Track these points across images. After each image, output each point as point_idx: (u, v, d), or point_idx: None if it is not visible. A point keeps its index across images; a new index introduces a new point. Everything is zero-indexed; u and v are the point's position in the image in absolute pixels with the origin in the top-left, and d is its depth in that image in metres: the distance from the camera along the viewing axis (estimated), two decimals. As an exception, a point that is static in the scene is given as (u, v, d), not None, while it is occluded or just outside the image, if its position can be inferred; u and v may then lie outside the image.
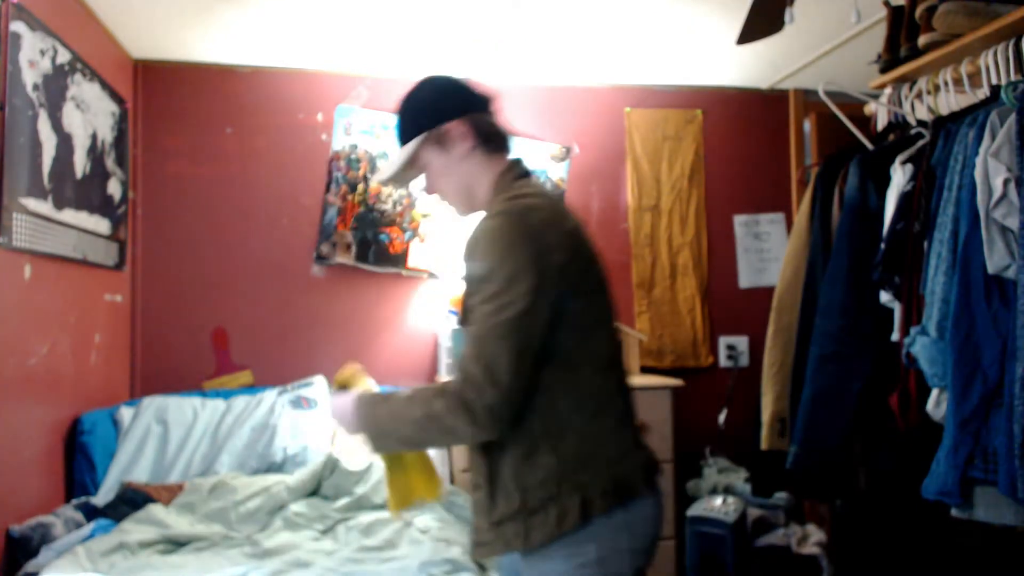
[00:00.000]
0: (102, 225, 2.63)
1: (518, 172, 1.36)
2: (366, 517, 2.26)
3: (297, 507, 2.32)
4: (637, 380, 2.91)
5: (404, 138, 1.38)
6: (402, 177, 1.41)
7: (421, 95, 1.39)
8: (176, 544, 2.10)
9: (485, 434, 1.18)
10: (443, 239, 3.18)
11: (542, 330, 1.18)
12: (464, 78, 1.41)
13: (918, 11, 1.94)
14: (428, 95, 1.38)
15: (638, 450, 1.28)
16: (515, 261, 1.17)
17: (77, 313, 2.46)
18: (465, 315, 1.26)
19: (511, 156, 1.39)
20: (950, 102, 1.88)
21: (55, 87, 2.25)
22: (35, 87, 2.12)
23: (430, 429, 1.19)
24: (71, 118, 2.37)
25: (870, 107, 2.21)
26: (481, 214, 1.32)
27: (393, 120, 1.43)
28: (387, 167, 1.40)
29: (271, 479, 2.43)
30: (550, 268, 1.18)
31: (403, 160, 1.36)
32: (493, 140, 1.37)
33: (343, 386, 1.41)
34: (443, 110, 1.35)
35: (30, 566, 1.92)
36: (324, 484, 2.45)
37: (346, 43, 2.91)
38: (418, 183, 1.44)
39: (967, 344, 1.50)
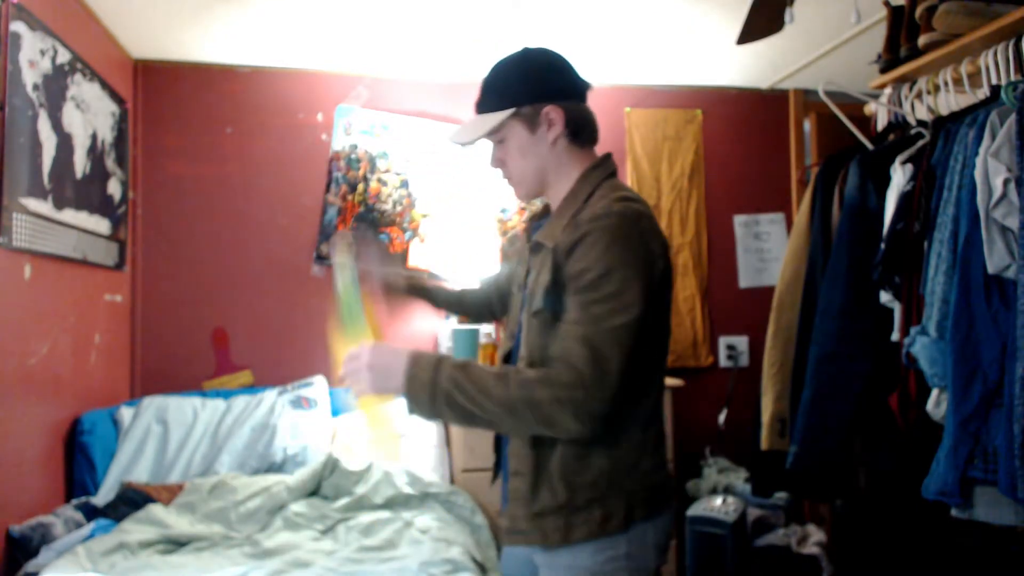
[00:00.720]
0: (102, 225, 2.63)
1: (608, 169, 1.33)
2: (366, 517, 2.27)
3: (297, 507, 2.32)
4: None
5: (490, 105, 1.31)
6: (474, 141, 1.34)
7: (521, 67, 1.31)
8: (176, 544, 2.10)
9: (581, 433, 1.16)
10: (443, 239, 3.19)
11: (644, 339, 1.19)
12: (565, 59, 1.33)
13: (918, 11, 1.94)
14: (528, 69, 1.30)
15: (666, 464, 1.34)
16: (632, 265, 1.17)
17: (77, 313, 2.46)
18: (551, 302, 1.22)
19: (597, 151, 1.36)
20: (950, 102, 1.88)
21: (55, 87, 2.25)
22: (35, 87, 2.12)
23: (523, 415, 1.14)
24: (71, 118, 2.37)
25: (870, 107, 2.21)
26: (555, 200, 1.33)
27: (479, 81, 1.35)
28: (465, 130, 1.33)
29: (271, 479, 2.43)
30: (655, 277, 1.21)
31: (487, 130, 1.29)
32: (582, 133, 1.32)
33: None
34: (540, 90, 1.29)
35: (30, 566, 1.92)
36: (324, 484, 2.45)
37: (346, 43, 2.91)
38: (483, 151, 1.38)
39: (967, 344, 1.50)
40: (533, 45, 1.34)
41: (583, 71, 1.36)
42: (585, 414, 1.13)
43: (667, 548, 1.31)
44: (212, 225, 3.06)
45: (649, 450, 1.27)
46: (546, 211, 1.43)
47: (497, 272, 1.72)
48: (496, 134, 1.31)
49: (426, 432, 2.83)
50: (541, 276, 1.25)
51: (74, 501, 2.30)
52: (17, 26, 2.03)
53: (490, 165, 1.37)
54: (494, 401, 1.15)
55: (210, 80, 3.10)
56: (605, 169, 1.33)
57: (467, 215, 3.19)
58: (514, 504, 1.28)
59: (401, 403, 1.21)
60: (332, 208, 3.13)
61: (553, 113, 1.28)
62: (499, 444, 1.45)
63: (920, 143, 1.84)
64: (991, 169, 1.48)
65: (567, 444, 1.22)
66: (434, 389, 1.16)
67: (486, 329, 2.95)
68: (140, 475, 2.50)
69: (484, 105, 1.32)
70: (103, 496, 2.39)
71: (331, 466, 2.47)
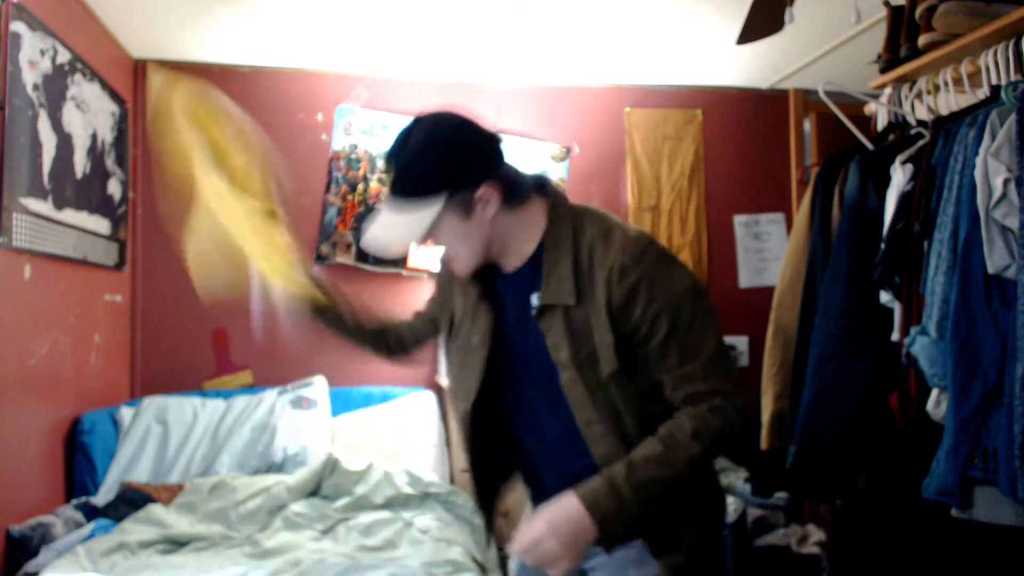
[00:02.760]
0: (102, 225, 2.63)
1: (564, 205, 1.26)
2: (366, 517, 2.27)
3: (297, 507, 2.32)
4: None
5: (412, 195, 1.16)
6: (403, 245, 1.27)
7: (436, 155, 1.17)
8: (176, 544, 2.10)
9: (749, 431, 1.24)
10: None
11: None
12: (471, 124, 1.21)
13: (918, 11, 1.93)
14: (444, 154, 1.17)
15: None
16: (682, 282, 1.19)
17: (77, 313, 2.46)
18: (623, 357, 1.18)
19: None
20: (950, 102, 1.88)
21: (55, 87, 2.25)
22: (35, 87, 2.12)
23: (707, 457, 1.19)
24: (71, 118, 2.37)
25: (870, 107, 2.21)
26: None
27: (388, 152, 1.22)
28: (389, 235, 1.21)
29: (271, 479, 2.43)
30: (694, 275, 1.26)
31: (418, 235, 1.17)
32: (516, 194, 1.22)
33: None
34: (468, 172, 1.17)
35: (30, 566, 1.92)
36: (324, 484, 2.45)
37: (346, 43, 2.91)
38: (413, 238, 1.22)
39: (967, 344, 1.50)
40: (422, 117, 1.21)
41: (487, 123, 1.23)
42: (742, 415, 1.19)
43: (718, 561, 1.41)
44: (212, 225, 3.06)
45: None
46: (491, 267, 1.31)
47: (421, 311, 1.58)
48: (427, 232, 1.18)
49: (426, 432, 2.83)
50: (596, 336, 1.19)
51: (74, 501, 2.30)
52: (17, 26, 2.03)
53: (418, 243, 1.26)
54: (679, 471, 1.15)
55: (210, 80, 3.07)
56: (559, 201, 1.26)
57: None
58: None
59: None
60: (332, 208, 3.13)
61: (487, 192, 1.17)
62: (526, 466, 1.41)
63: (920, 143, 1.84)
64: (991, 169, 1.48)
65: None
66: (627, 515, 1.12)
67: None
68: (140, 475, 2.50)
69: (406, 194, 1.17)
70: (103, 496, 2.39)
71: (331, 466, 2.47)
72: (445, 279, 1.42)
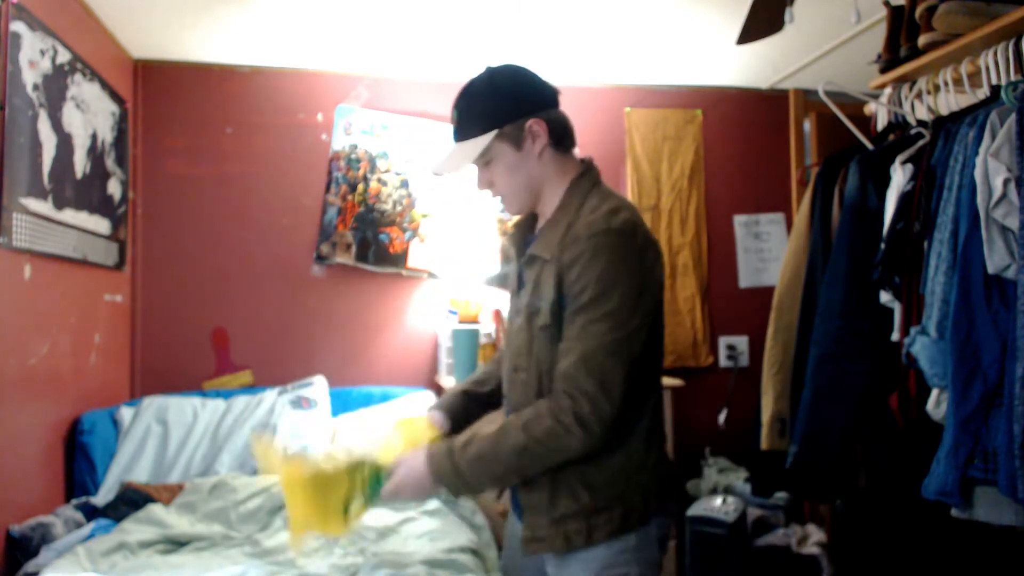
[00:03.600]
0: (102, 225, 2.63)
1: (594, 176, 1.35)
2: (366, 517, 2.26)
3: (297, 507, 2.31)
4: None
5: (470, 131, 1.32)
6: (461, 169, 1.35)
7: (493, 88, 1.32)
8: (176, 544, 2.09)
9: (595, 445, 1.20)
10: (443, 239, 3.18)
11: (642, 345, 1.24)
12: (530, 71, 1.35)
13: (918, 11, 1.94)
14: (501, 89, 1.32)
15: (667, 455, 1.38)
16: (628, 282, 1.21)
17: (77, 313, 2.46)
18: (558, 318, 1.25)
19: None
20: (950, 102, 1.88)
21: (55, 87, 2.25)
22: (35, 87, 2.12)
23: (536, 454, 1.20)
24: (71, 118, 2.37)
25: (870, 107, 2.21)
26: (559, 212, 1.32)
27: (454, 106, 1.36)
28: (451, 160, 1.34)
29: (271, 479, 2.42)
30: (651, 287, 1.25)
31: (474, 155, 1.30)
32: (564, 139, 1.34)
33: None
34: (519, 107, 1.30)
35: (30, 566, 1.92)
36: (324, 484, 2.45)
37: (346, 43, 2.91)
38: (468, 175, 1.38)
39: (967, 344, 1.50)
40: (495, 67, 1.36)
41: (545, 76, 1.36)
42: (598, 428, 1.18)
43: (667, 541, 1.34)
44: (212, 225, 3.06)
45: (655, 445, 1.32)
46: (530, 219, 1.43)
47: (502, 280, 1.73)
48: (482, 157, 1.32)
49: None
50: (544, 291, 1.27)
51: (74, 501, 2.30)
52: (17, 26, 2.03)
53: (478, 188, 1.38)
54: (506, 457, 1.21)
55: (210, 80, 3.10)
56: (591, 177, 1.35)
57: (467, 215, 3.19)
58: (532, 514, 1.30)
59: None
60: (332, 208, 3.13)
61: (536, 126, 1.30)
62: None
63: (920, 143, 1.84)
64: (991, 169, 1.48)
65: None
66: (460, 475, 1.24)
67: (486, 329, 2.95)
68: (140, 475, 2.50)
69: (463, 132, 1.34)
70: (103, 496, 2.39)
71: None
72: (507, 271, 1.55)
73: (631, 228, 1.24)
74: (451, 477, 1.24)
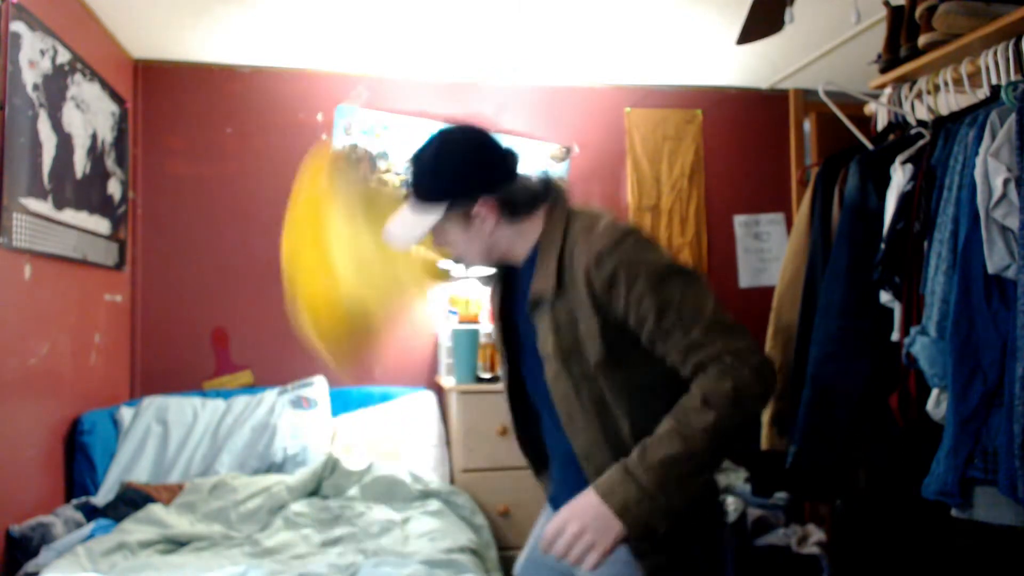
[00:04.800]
0: (102, 225, 2.63)
1: (563, 201, 1.31)
2: (366, 517, 2.26)
3: (297, 507, 2.32)
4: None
5: (419, 200, 1.29)
6: (410, 242, 1.33)
7: (440, 164, 1.28)
8: (176, 544, 2.10)
9: (773, 383, 1.13)
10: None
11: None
12: (483, 135, 1.30)
13: (918, 11, 1.94)
14: (449, 166, 1.27)
15: None
16: (664, 259, 1.19)
17: (77, 313, 2.46)
18: (611, 339, 1.19)
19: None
20: (950, 102, 1.88)
21: (55, 87, 2.25)
22: (35, 87, 2.12)
23: (729, 422, 1.08)
24: (71, 118, 2.37)
25: (870, 107, 2.21)
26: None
27: (406, 161, 1.34)
28: (402, 232, 1.31)
29: (271, 479, 2.43)
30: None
31: (421, 233, 1.28)
32: (520, 209, 1.29)
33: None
34: (465, 186, 1.26)
35: (30, 566, 1.92)
36: (324, 484, 2.45)
37: (346, 43, 2.91)
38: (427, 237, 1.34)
39: (967, 344, 1.50)
40: (448, 127, 1.31)
41: (503, 139, 1.32)
42: (768, 372, 1.13)
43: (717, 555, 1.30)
44: (212, 225, 3.06)
45: None
46: (504, 267, 1.39)
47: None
48: (432, 231, 1.30)
49: (426, 432, 2.83)
50: (578, 327, 1.21)
51: (74, 501, 2.30)
52: (17, 26, 2.03)
53: (434, 244, 1.36)
54: (699, 444, 1.08)
55: (210, 80, 3.10)
56: (562, 205, 1.31)
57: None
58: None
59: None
60: (332, 208, 3.13)
61: (483, 208, 1.26)
62: (531, 443, 1.44)
63: (920, 143, 1.84)
64: (991, 169, 1.48)
65: (640, 434, 1.17)
66: (651, 501, 1.07)
67: (486, 329, 2.95)
68: (140, 475, 2.50)
69: (414, 198, 1.30)
70: (103, 496, 2.39)
71: (331, 466, 2.47)
72: (489, 280, 1.52)
73: (631, 227, 1.24)
74: (638, 502, 1.06)
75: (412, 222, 1.29)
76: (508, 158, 1.31)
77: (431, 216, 1.27)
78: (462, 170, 1.27)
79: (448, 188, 1.26)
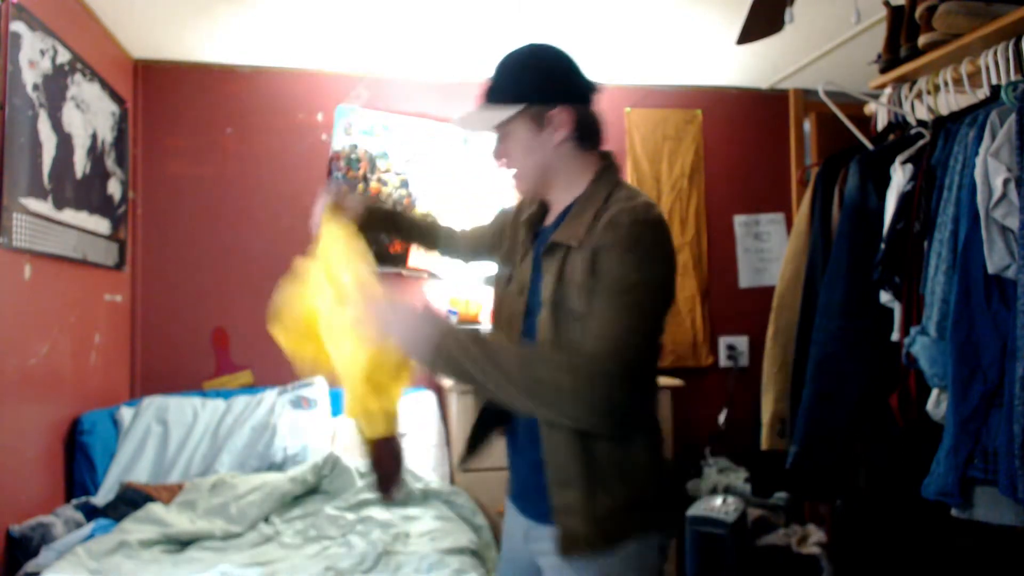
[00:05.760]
0: (102, 225, 2.63)
1: (616, 171, 1.34)
2: (367, 516, 2.26)
3: (297, 504, 2.32)
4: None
5: (499, 97, 1.29)
6: (480, 131, 1.33)
7: (531, 64, 1.29)
8: (177, 543, 2.10)
9: (594, 422, 1.15)
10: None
11: (658, 336, 1.23)
12: (574, 60, 1.31)
13: (918, 11, 1.94)
14: (538, 67, 1.29)
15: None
16: (657, 271, 1.19)
17: (77, 313, 2.46)
18: (570, 292, 1.22)
19: (603, 151, 1.36)
20: (950, 102, 1.88)
21: (55, 87, 2.25)
22: (35, 87, 2.12)
23: (542, 395, 1.14)
24: (71, 118, 2.37)
25: (870, 107, 2.21)
26: (563, 198, 1.32)
27: (486, 75, 1.33)
28: (471, 119, 1.31)
29: (271, 477, 2.43)
30: (671, 281, 1.24)
31: (492, 124, 1.28)
32: (589, 136, 1.31)
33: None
34: (550, 90, 1.27)
35: (30, 566, 1.92)
36: (324, 482, 2.45)
37: (346, 43, 2.91)
38: (490, 143, 1.35)
39: (967, 344, 1.50)
40: (544, 44, 1.32)
41: (588, 71, 1.34)
42: (604, 406, 1.13)
43: (667, 549, 1.31)
44: (212, 225, 3.06)
45: (662, 442, 1.33)
46: (541, 210, 1.40)
47: (476, 230, 1.69)
48: (500, 129, 1.30)
49: (426, 432, 2.83)
50: (574, 276, 1.23)
51: (74, 501, 2.30)
52: (17, 26, 2.03)
53: (492, 156, 1.36)
54: (515, 370, 1.15)
55: (210, 80, 3.10)
56: (615, 171, 1.33)
57: (467, 215, 3.19)
58: (568, 515, 1.23)
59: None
60: (332, 208, 3.13)
61: (561, 115, 1.27)
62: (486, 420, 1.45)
63: (920, 143, 1.84)
64: (991, 169, 1.48)
65: (611, 443, 1.22)
66: (457, 358, 1.17)
67: (486, 329, 2.95)
68: (140, 475, 2.50)
69: (493, 96, 1.30)
70: (103, 496, 2.39)
71: (332, 464, 2.47)
72: (506, 218, 1.52)
73: (659, 220, 1.24)
74: (451, 338, 1.18)
75: (484, 116, 1.29)
76: (591, 86, 1.33)
77: (508, 110, 1.26)
78: (548, 73, 1.28)
79: (532, 85, 1.26)
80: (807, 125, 3.50)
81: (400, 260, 3.16)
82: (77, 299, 2.46)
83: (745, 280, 3.50)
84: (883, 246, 1.81)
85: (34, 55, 2.12)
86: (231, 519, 2.21)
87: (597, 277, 1.19)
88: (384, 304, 1.25)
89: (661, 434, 1.32)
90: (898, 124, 2.08)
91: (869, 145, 2.11)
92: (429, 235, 1.71)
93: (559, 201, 1.34)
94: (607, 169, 1.32)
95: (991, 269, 1.47)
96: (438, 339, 1.18)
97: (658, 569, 1.28)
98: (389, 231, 1.68)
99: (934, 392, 1.62)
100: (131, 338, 2.96)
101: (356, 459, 2.51)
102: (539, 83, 1.27)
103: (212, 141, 3.09)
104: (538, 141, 1.28)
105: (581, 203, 1.29)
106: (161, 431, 2.60)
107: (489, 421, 1.44)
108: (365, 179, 3.16)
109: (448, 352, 1.18)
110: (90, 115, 2.53)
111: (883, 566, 2.39)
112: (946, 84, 1.89)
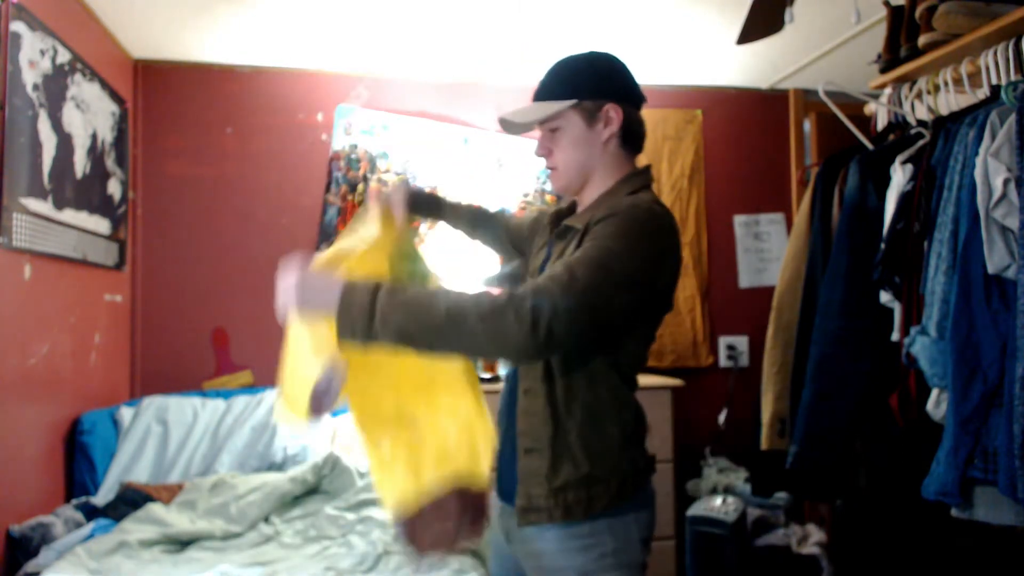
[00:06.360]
0: (102, 225, 2.63)
1: (648, 179, 1.36)
2: (367, 516, 2.26)
3: (297, 504, 2.32)
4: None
5: (552, 94, 1.32)
6: (526, 126, 1.35)
7: (588, 63, 1.34)
8: (177, 543, 2.10)
9: (532, 353, 1.08)
10: (443, 239, 3.18)
11: (631, 306, 1.18)
12: (627, 67, 1.37)
13: (918, 11, 1.94)
14: (595, 66, 1.34)
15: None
16: (643, 250, 1.18)
17: (77, 313, 2.46)
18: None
19: (644, 166, 1.38)
20: (950, 102, 1.88)
21: (55, 87, 2.25)
22: (35, 87, 2.12)
23: (470, 326, 1.06)
24: (71, 118, 2.37)
25: (870, 107, 2.21)
26: (590, 194, 1.34)
27: (539, 75, 1.36)
28: (522, 113, 1.33)
29: (271, 477, 2.43)
30: (661, 270, 1.22)
31: (545, 115, 1.31)
32: (633, 139, 1.35)
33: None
34: (604, 87, 1.32)
35: (30, 566, 1.92)
36: (324, 482, 2.45)
37: (346, 43, 2.91)
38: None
39: (967, 344, 1.50)
40: (601, 51, 1.37)
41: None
42: (543, 331, 1.06)
43: (650, 542, 1.31)
44: (212, 225, 3.06)
45: (642, 422, 1.32)
46: (571, 210, 1.42)
47: (518, 220, 1.66)
48: (552, 121, 1.32)
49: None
50: (566, 252, 1.26)
51: (74, 501, 2.30)
52: (17, 26, 2.03)
53: (535, 153, 1.37)
54: (437, 312, 1.07)
55: (210, 80, 3.10)
56: (645, 178, 1.35)
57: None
58: (530, 483, 1.25)
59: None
60: (332, 208, 3.13)
61: (613, 111, 1.30)
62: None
63: (920, 143, 1.84)
64: (991, 169, 1.48)
65: (583, 414, 1.23)
66: (374, 303, 1.07)
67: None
68: (140, 475, 2.50)
69: (544, 94, 1.33)
70: (103, 496, 2.39)
71: (331, 464, 2.47)
72: (540, 220, 1.52)
73: (669, 223, 1.24)
74: (364, 296, 1.06)
75: (536, 109, 1.31)
76: (641, 93, 1.38)
77: (559, 104, 1.29)
78: (603, 72, 1.33)
79: (587, 82, 1.30)
80: (807, 125, 3.50)
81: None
82: (77, 299, 2.46)
83: (745, 280, 3.50)
84: (883, 246, 1.81)
85: (34, 55, 2.12)
86: (231, 519, 2.21)
87: (587, 242, 1.20)
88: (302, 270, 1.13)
89: (643, 425, 1.32)
90: (898, 124, 2.08)
91: (869, 145, 2.11)
92: (471, 219, 1.69)
93: (588, 198, 1.36)
94: (638, 174, 1.35)
95: (991, 269, 1.47)
96: (346, 292, 1.09)
97: (640, 563, 1.27)
98: (432, 215, 1.67)
99: (934, 392, 1.62)
100: (131, 338, 2.96)
101: (356, 459, 2.51)
102: (594, 80, 1.31)
103: (212, 141, 3.09)
104: (586, 136, 1.31)
105: (603, 196, 1.32)
106: (161, 431, 2.60)
107: None
108: (365, 179, 3.16)
109: (361, 299, 1.08)
110: (90, 115, 2.53)
111: (883, 566, 2.39)
112: (946, 84, 1.89)
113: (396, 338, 1.08)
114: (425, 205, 1.61)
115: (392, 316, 1.06)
